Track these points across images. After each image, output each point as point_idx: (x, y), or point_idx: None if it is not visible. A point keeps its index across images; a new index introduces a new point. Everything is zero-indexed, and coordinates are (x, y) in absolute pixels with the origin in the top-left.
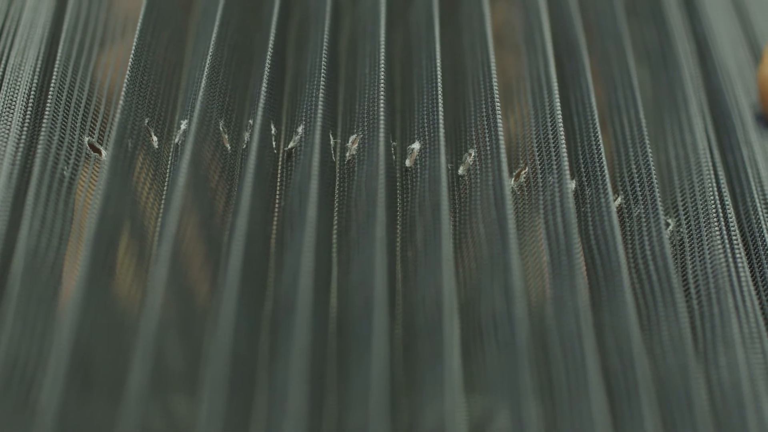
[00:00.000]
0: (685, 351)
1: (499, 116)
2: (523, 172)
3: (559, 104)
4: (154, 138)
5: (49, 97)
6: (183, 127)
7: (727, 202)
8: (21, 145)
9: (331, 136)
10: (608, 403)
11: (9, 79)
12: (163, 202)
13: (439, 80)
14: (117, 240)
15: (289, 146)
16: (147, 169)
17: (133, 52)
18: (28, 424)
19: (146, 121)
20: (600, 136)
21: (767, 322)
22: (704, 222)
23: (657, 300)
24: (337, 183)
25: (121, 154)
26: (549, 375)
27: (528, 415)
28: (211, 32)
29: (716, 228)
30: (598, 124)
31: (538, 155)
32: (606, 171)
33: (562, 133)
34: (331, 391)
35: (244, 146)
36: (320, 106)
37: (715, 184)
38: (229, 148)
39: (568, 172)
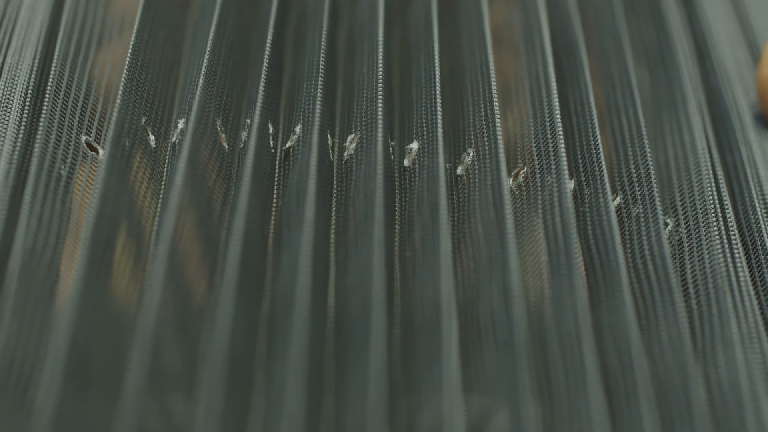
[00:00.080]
0: (683, 351)
1: (497, 116)
2: (521, 171)
3: (557, 104)
4: (152, 137)
5: (47, 95)
6: (180, 126)
7: (726, 202)
8: (18, 143)
9: (328, 135)
10: (607, 403)
11: (6, 78)
12: (160, 201)
13: (437, 80)
14: (114, 239)
15: (287, 145)
16: (144, 168)
17: (130, 50)
18: (25, 423)
19: (143, 120)
20: (599, 136)
21: (766, 322)
22: (703, 222)
23: (656, 300)
24: (335, 182)
25: (118, 152)
26: (547, 375)
27: (526, 415)
28: (208, 31)
29: (715, 228)
30: (596, 123)
31: (537, 155)
32: (605, 171)
33: (560, 132)
34: (329, 390)
35: (242, 145)
36: (318, 106)
37: (714, 184)
38: (226, 147)
39: (566, 171)
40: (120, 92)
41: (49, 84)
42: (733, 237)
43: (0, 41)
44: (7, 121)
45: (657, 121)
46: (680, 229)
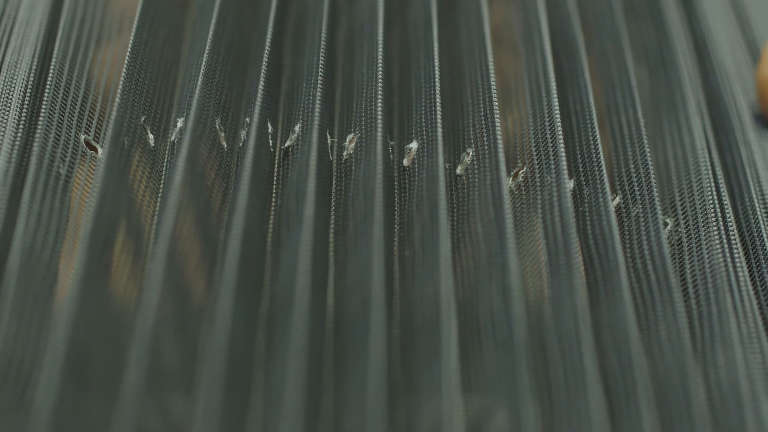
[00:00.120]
0: (683, 350)
1: (497, 116)
2: (521, 171)
3: (557, 104)
4: (151, 136)
5: (46, 94)
6: (179, 124)
7: (725, 202)
8: (17, 142)
9: (328, 135)
10: (606, 403)
11: (5, 77)
12: (159, 199)
13: (437, 80)
14: (113, 238)
15: (286, 145)
16: (143, 167)
17: (129, 49)
18: (24, 422)
19: (142, 119)
20: (598, 136)
21: (765, 322)
22: (702, 222)
23: (655, 299)
24: (334, 182)
25: (117, 151)
26: (547, 374)
27: (526, 415)
28: (207, 30)
29: (714, 228)
30: (596, 123)
31: (536, 155)
32: (604, 170)
33: (560, 132)
34: (328, 390)
35: (241, 144)
36: (317, 105)
37: (713, 184)
38: (225, 146)
39: (566, 171)
40: (119, 91)
41: (48, 83)
42: (732, 237)
43: None
44: (6, 119)
45: (656, 121)
46: (680, 229)
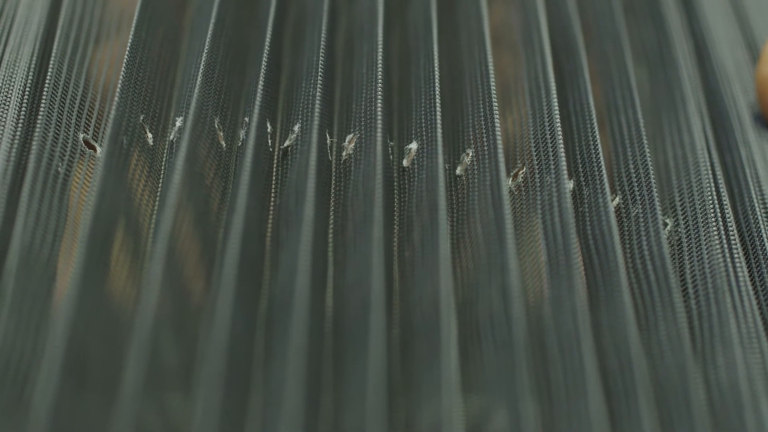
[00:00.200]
0: (683, 351)
1: (496, 116)
2: (520, 172)
3: (557, 104)
4: (149, 135)
5: (44, 93)
6: (178, 124)
7: (725, 202)
8: (16, 141)
9: (327, 135)
10: (606, 403)
11: (4, 75)
12: (158, 199)
13: (436, 80)
14: (112, 237)
15: (285, 144)
16: (142, 166)
17: (128, 48)
18: (22, 421)
19: (141, 118)
20: (598, 136)
21: (765, 323)
22: (702, 222)
23: (655, 300)
24: (333, 182)
25: (116, 150)
26: (547, 375)
27: (525, 415)
28: (206, 29)
29: (714, 228)
30: (596, 124)
31: (536, 155)
32: (604, 171)
33: (559, 133)
34: (328, 390)
35: (240, 144)
36: (317, 105)
37: (713, 184)
38: (224, 145)
39: (565, 172)
40: (118, 90)
41: (47, 81)
42: (732, 237)
43: None
44: (5, 118)
45: (656, 121)
46: (679, 230)
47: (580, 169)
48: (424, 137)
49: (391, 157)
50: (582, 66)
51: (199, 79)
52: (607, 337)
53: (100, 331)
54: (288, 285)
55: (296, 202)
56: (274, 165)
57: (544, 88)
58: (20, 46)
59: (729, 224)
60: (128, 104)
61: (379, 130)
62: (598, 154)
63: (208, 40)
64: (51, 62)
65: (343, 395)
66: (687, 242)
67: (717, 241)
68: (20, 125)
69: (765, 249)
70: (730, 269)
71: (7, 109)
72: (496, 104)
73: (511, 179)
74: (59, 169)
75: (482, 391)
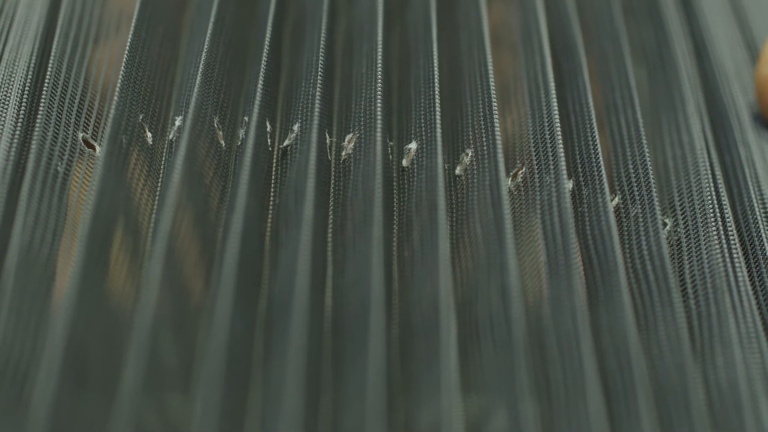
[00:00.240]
0: (682, 351)
1: (496, 116)
2: (520, 172)
3: (556, 104)
4: (149, 134)
5: (44, 93)
6: (177, 123)
7: (724, 202)
8: (15, 140)
9: (327, 134)
10: (605, 403)
11: (3, 75)
12: (157, 198)
13: (436, 80)
14: (111, 236)
15: (285, 144)
16: (141, 166)
17: (127, 48)
18: (22, 420)
19: (141, 117)
20: (597, 136)
21: (764, 323)
22: (701, 222)
23: (654, 300)
24: (333, 182)
25: (115, 150)
26: (546, 375)
27: (525, 415)
28: (206, 29)
29: (713, 228)
30: (595, 124)
31: (535, 155)
32: (603, 171)
33: (559, 133)
34: (327, 390)
35: (239, 143)
36: (316, 105)
37: (712, 184)
38: (223, 144)
39: (565, 172)
40: (117, 89)
41: (47, 81)
42: (731, 237)
43: None
44: (4, 117)
45: (655, 121)
46: (679, 230)
47: (580, 169)
48: (424, 137)
49: (391, 156)
50: (581, 66)
51: (198, 78)
52: (607, 337)
53: (99, 330)
54: (287, 284)
55: (296, 201)
56: (274, 164)
57: (544, 88)
58: (20, 45)
59: (728, 224)
60: (127, 103)
61: (378, 129)
62: (598, 154)
63: (207, 39)
64: (50, 61)
65: (343, 395)
66: (686, 242)
67: (716, 242)
68: (20, 124)
69: (764, 249)
70: (730, 269)
71: (6, 108)
72: (495, 104)
73: (510, 179)
74: (59, 168)
75: (482, 390)
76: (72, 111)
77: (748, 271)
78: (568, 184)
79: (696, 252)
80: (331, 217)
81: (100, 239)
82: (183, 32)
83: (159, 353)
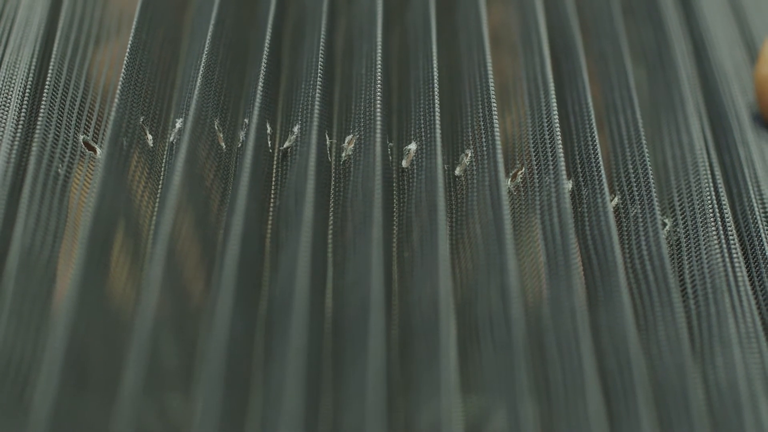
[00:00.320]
0: (682, 351)
1: (495, 117)
2: (519, 172)
3: (555, 105)
4: (149, 136)
5: (44, 95)
6: (178, 125)
7: (724, 202)
8: (16, 143)
9: (327, 136)
10: (605, 404)
11: (4, 77)
12: (158, 200)
13: (435, 81)
14: (111, 238)
15: (285, 146)
16: (142, 168)
17: (128, 50)
18: (23, 422)
19: (141, 120)
20: (597, 137)
21: (764, 322)
22: (701, 222)
23: (654, 300)
24: (333, 183)
25: (116, 152)
26: (546, 375)
27: (524, 416)
28: (206, 30)
29: (713, 228)
30: (594, 124)
31: (535, 156)
32: (603, 171)
33: (558, 133)
34: (327, 391)
35: (240, 145)
36: (317, 106)
37: (712, 184)
38: (224, 146)
39: (564, 172)
40: (118, 91)
41: (47, 83)
42: (731, 237)
43: None
44: (5, 119)
45: (655, 121)
46: (678, 230)
47: (579, 170)
48: (423, 138)
49: (391, 157)
50: (581, 66)
51: (199, 80)
52: (606, 338)
53: (100, 332)
54: (288, 286)
55: (296, 203)
56: (274, 166)
57: (543, 88)
58: (20, 47)
59: (728, 224)
60: (128, 106)
61: (378, 130)
62: (597, 154)
63: (208, 41)
64: (51, 64)
65: (343, 395)
66: (686, 242)
67: (716, 241)
68: (20, 127)
69: (764, 249)
70: (729, 269)
71: (7, 111)
72: (494, 105)
73: (509, 180)
74: (59, 170)
75: (481, 391)
76: (73, 113)
77: (748, 271)
78: (568, 185)
79: (695, 252)
80: (332, 218)
81: (101, 241)
82: (183, 34)
83: (159, 355)
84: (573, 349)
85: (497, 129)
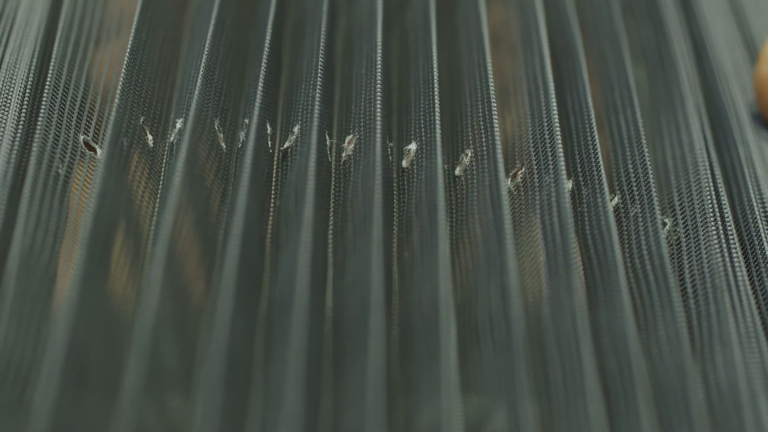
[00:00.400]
0: (681, 350)
1: (495, 117)
2: (519, 172)
3: (555, 104)
4: (150, 136)
5: (45, 95)
6: (178, 125)
7: (723, 202)
8: (16, 143)
9: (327, 136)
10: (605, 403)
11: (4, 77)
12: (158, 200)
13: (435, 81)
14: (112, 238)
15: (285, 146)
16: (142, 168)
17: (128, 50)
18: (23, 422)
19: (141, 120)
20: (597, 136)
21: (764, 322)
22: (701, 221)
23: (654, 300)
24: (333, 183)
25: (116, 152)
26: (546, 375)
27: (524, 415)
28: (206, 31)
29: (713, 227)
30: (594, 124)
31: (535, 155)
32: (603, 171)
33: (558, 133)
34: (327, 391)
35: (240, 145)
36: (317, 106)
37: (711, 184)
38: (224, 147)
39: (564, 172)
40: (118, 92)
41: (47, 83)
42: (731, 237)
43: None
44: (5, 120)
45: (655, 121)
46: (678, 229)
47: (579, 169)
48: (423, 138)
49: (391, 157)
50: (580, 66)
51: (199, 80)
52: (606, 337)
53: (100, 332)
54: (288, 286)
55: (296, 203)
56: (274, 166)
57: (543, 88)
58: (21, 47)
59: (728, 224)
60: (128, 106)
61: (378, 130)
62: (597, 154)
63: (208, 41)
64: (51, 64)
65: (343, 395)
66: (686, 242)
67: (716, 241)
68: (20, 127)
69: (764, 249)
70: (729, 269)
71: (7, 111)
72: (494, 105)
73: (509, 179)
74: (59, 170)
75: (481, 391)
76: (73, 113)
77: (748, 271)
78: (568, 184)
79: (695, 251)
80: (332, 218)
81: (101, 242)
82: (184, 34)
83: (160, 355)
84: (573, 348)
85: (497, 129)
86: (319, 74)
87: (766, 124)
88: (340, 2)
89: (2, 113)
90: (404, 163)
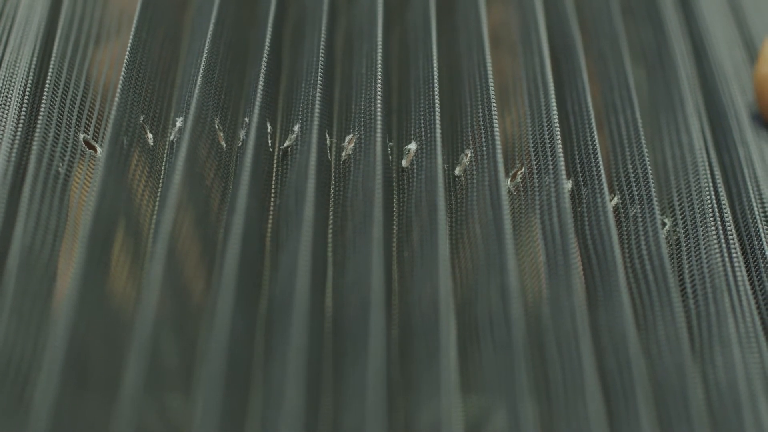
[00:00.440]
0: (681, 351)
1: (495, 116)
2: (519, 172)
3: (555, 105)
4: (150, 135)
5: (45, 94)
6: (178, 124)
7: (723, 202)
8: (16, 142)
9: (327, 135)
10: (605, 403)
11: (4, 76)
12: (158, 199)
13: (435, 81)
14: (112, 237)
15: (285, 145)
16: (142, 167)
17: (128, 49)
18: (23, 421)
19: (142, 119)
20: (596, 136)
21: (763, 322)
22: (701, 222)
23: (653, 300)
24: (333, 183)
25: (116, 151)
26: (545, 375)
27: (524, 415)
28: (206, 30)
29: (713, 228)
30: (594, 124)
31: (535, 155)
32: (602, 171)
33: (558, 133)
34: (327, 390)
35: (240, 144)
36: (317, 105)
37: (711, 184)
38: (224, 145)
39: (564, 172)
40: (118, 90)
41: (47, 82)
42: (730, 237)
43: None
44: (5, 118)
45: (654, 121)
46: (678, 229)
47: (579, 169)
48: (423, 138)
49: (391, 157)
50: (580, 66)
51: (199, 79)
52: (606, 337)
53: (100, 331)
54: (288, 285)
55: (296, 202)
56: (274, 165)
57: (543, 88)
58: (20, 46)
59: (727, 224)
60: (128, 104)
61: (378, 130)
62: (597, 154)
63: (208, 40)
64: (51, 63)
65: (343, 395)
66: (685, 242)
67: (715, 241)
68: (20, 126)
69: (763, 249)
70: (729, 269)
71: (7, 110)
72: (494, 105)
73: (509, 179)
74: (59, 169)
75: (481, 391)
76: (73, 112)
77: (747, 271)
78: (567, 185)
79: (695, 252)
80: (332, 217)
81: (101, 240)
82: (184, 33)
83: (160, 354)
84: (573, 348)
85: (497, 129)
86: (320, 74)
87: (766, 124)
88: (340, 2)
89: (2, 112)
90: (404, 163)
